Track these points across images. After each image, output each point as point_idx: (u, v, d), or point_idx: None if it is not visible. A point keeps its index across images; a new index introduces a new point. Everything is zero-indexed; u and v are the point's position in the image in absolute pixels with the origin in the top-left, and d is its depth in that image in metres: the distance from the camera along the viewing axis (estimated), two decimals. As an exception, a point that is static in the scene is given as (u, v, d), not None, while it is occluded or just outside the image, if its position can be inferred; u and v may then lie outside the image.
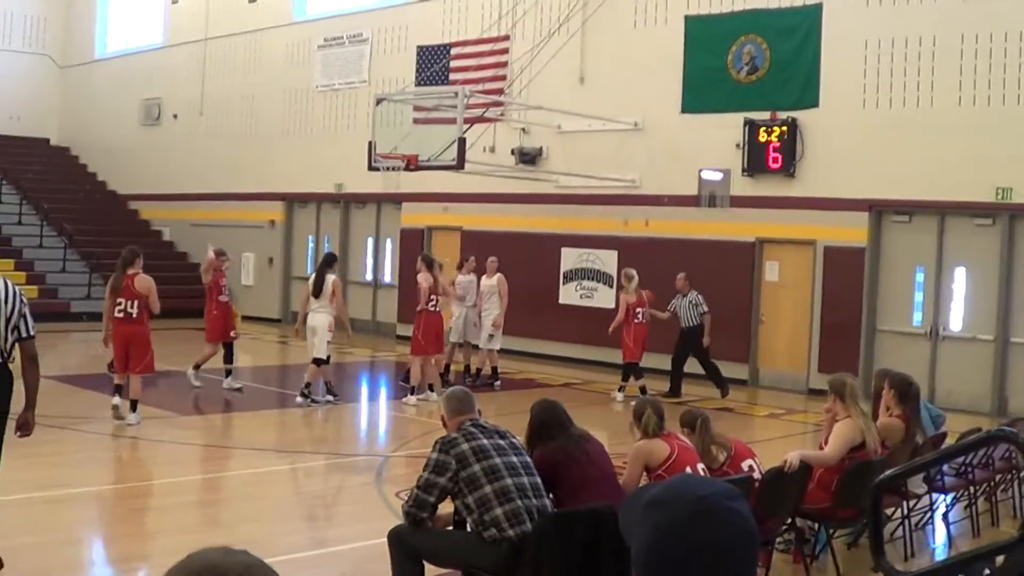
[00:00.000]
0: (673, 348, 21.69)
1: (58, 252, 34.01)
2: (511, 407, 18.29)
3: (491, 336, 21.71)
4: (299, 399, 19.38)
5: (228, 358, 20.43)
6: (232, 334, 20.40)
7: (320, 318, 19.52)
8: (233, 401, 19.56)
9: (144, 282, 16.77)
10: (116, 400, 16.91)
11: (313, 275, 20.13)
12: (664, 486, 2.60)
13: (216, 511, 12.66)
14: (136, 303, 16.68)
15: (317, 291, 19.59)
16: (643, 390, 20.26)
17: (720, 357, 21.83)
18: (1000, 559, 4.78)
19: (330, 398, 19.67)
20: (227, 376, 20.33)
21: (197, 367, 20.18)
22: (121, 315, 16.75)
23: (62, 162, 42.35)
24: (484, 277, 22.01)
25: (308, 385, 19.52)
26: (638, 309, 21.14)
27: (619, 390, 21.18)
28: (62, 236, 34.91)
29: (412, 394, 19.82)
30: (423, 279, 20.02)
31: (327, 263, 20.23)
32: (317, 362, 19.50)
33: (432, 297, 19.89)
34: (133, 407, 16.75)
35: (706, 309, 21.42)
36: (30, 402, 9.75)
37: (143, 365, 16.92)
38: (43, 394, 18.89)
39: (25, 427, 9.80)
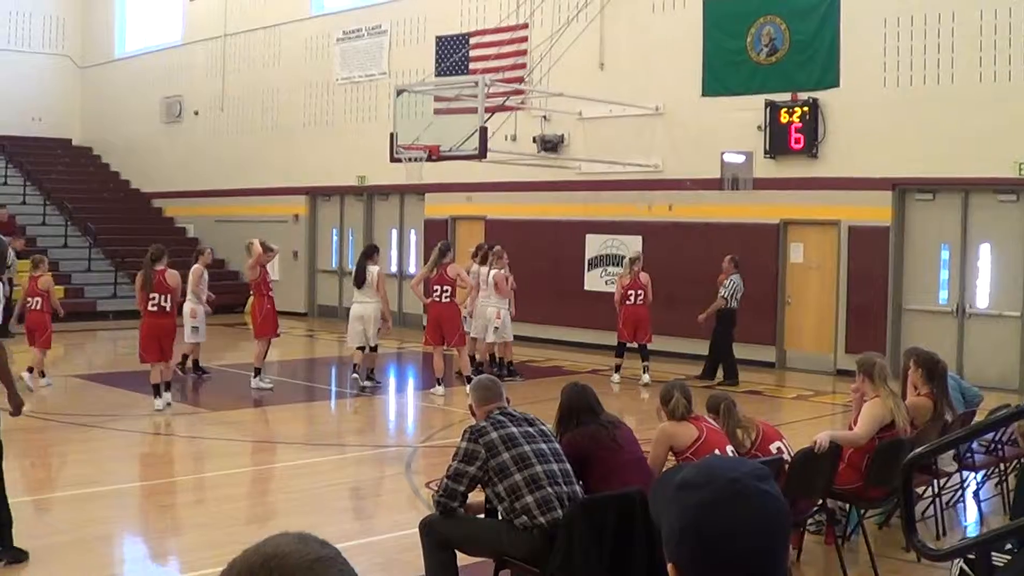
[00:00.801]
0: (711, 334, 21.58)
1: (83, 251, 34.16)
2: (538, 395, 18.31)
3: (496, 328, 21.57)
4: (366, 383, 20.26)
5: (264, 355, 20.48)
6: (278, 331, 20.49)
7: (370, 308, 20.08)
8: (262, 396, 19.58)
9: (174, 277, 17.54)
10: (158, 403, 17.39)
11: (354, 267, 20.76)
12: (695, 468, 2.61)
13: (248, 505, 12.71)
14: (168, 296, 17.29)
15: (359, 282, 20.16)
16: (617, 368, 21.44)
17: (747, 339, 21.77)
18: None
19: (367, 384, 20.22)
20: (256, 375, 20.31)
21: (258, 371, 20.14)
22: (155, 308, 17.30)
23: (85, 162, 42.55)
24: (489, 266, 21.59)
25: (372, 371, 20.57)
26: (630, 291, 21.19)
27: (644, 371, 21.28)
28: (86, 235, 35.04)
29: (439, 384, 19.84)
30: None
31: (367, 254, 20.67)
32: (375, 349, 20.45)
33: (435, 288, 19.83)
34: (167, 387, 17.45)
35: (722, 293, 21.17)
36: (7, 387, 9.92)
37: (172, 354, 17.64)
38: (72, 393, 19.17)
39: (11, 407, 9.98)
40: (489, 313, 21.00)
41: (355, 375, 20.13)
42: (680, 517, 2.51)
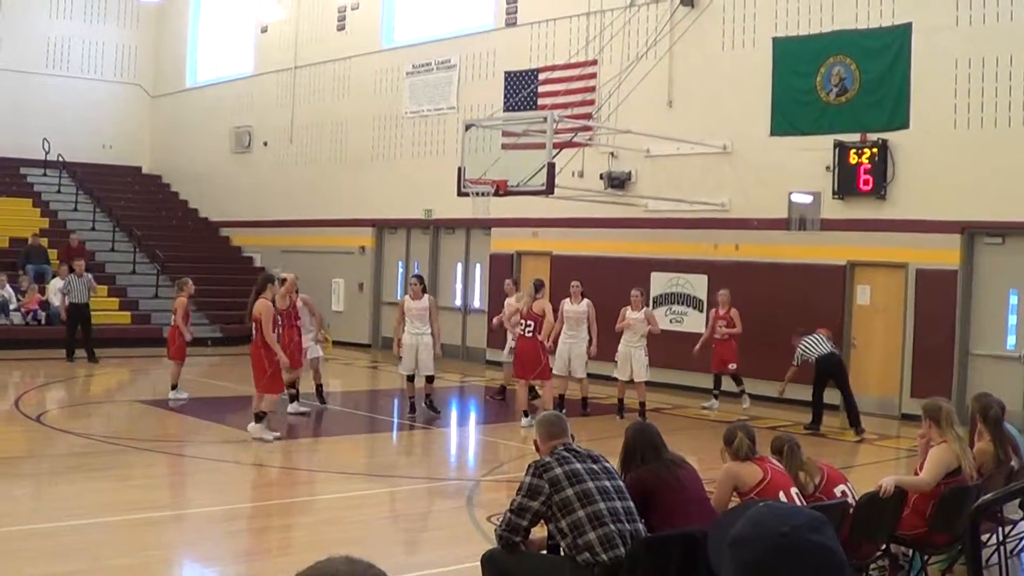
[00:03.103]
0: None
1: (151, 278, 34.42)
2: (602, 432, 18.28)
3: (586, 362, 21.60)
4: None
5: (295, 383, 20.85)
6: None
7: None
8: (325, 426, 19.63)
9: (257, 307, 17.70)
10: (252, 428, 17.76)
11: None
12: (748, 521, 2.59)
13: (308, 534, 12.71)
14: (255, 326, 17.69)
15: None
16: (716, 396, 23.06)
17: (810, 381, 21.53)
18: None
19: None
20: (292, 401, 20.64)
21: (294, 397, 20.38)
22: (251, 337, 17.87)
23: (154, 190, 43.02)
24: (568, 302, 21.71)
25: (420, 399, 21.00)
26: (719, 323, 22.76)
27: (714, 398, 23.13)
28: (154, 262, 35.33)
29: (525, 416, 19.88)
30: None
31: None
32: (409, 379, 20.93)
33: (521, 321, 20.09)
34: (257, 418, 17.61)
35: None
36: None
37: (263, 384, 17.65)
38: (136, 417, 19.38)
39: None
40: (629, 352, 21.16)
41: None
42: (736, 574, 2.51)
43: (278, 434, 17.73)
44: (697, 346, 22.87)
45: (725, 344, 22.76)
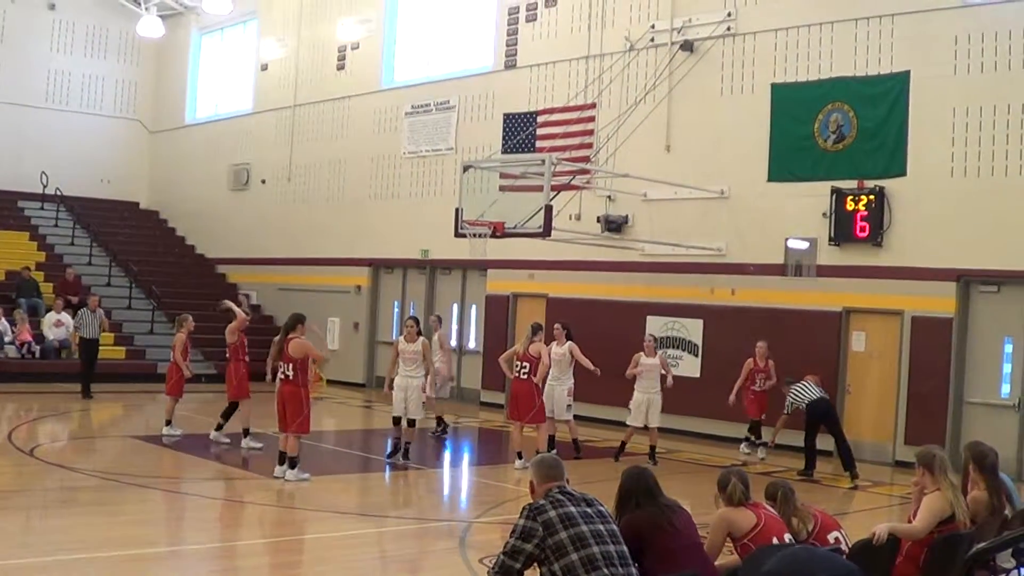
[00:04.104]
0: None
1: (146, 314, 34.41)
2: (596, 475, 18.23)
3: (569, 406, 21.50)
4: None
5: (229, 414, 21.21)
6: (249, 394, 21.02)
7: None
8: (317, 464, 19.54)
9: (297, 346, 17.69)
10: (278, 471, 17.70)
11: None
12: (783, 559, 2.59)
13: (299, 574, 12.68)
14: (291, 366, 17.56)
15: None
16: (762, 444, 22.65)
17: (803, 427, 21.51)
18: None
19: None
20: (218, 430, 21.10)
21: (247, 432, 20.67)
22: (282, 377, 17.78)
23: (151, 225, 43.10)
24: (555, 345, 21.58)
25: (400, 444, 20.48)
26: (759, 375, 22.57)
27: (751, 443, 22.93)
28: (150, 298, 35.33)
29: (519, 458, 19.95)
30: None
31: None
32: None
33: (516, 363, 20.09)
34: (292, 464, 17.54)
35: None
36: None
37: (297, 424, 17.56)
38: (129, 453, 19.32)
39: None
40: (648, 399, 21.40)
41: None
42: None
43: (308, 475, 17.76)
44: (732, 396, 22.63)
45: (764, 395, 22.67)
